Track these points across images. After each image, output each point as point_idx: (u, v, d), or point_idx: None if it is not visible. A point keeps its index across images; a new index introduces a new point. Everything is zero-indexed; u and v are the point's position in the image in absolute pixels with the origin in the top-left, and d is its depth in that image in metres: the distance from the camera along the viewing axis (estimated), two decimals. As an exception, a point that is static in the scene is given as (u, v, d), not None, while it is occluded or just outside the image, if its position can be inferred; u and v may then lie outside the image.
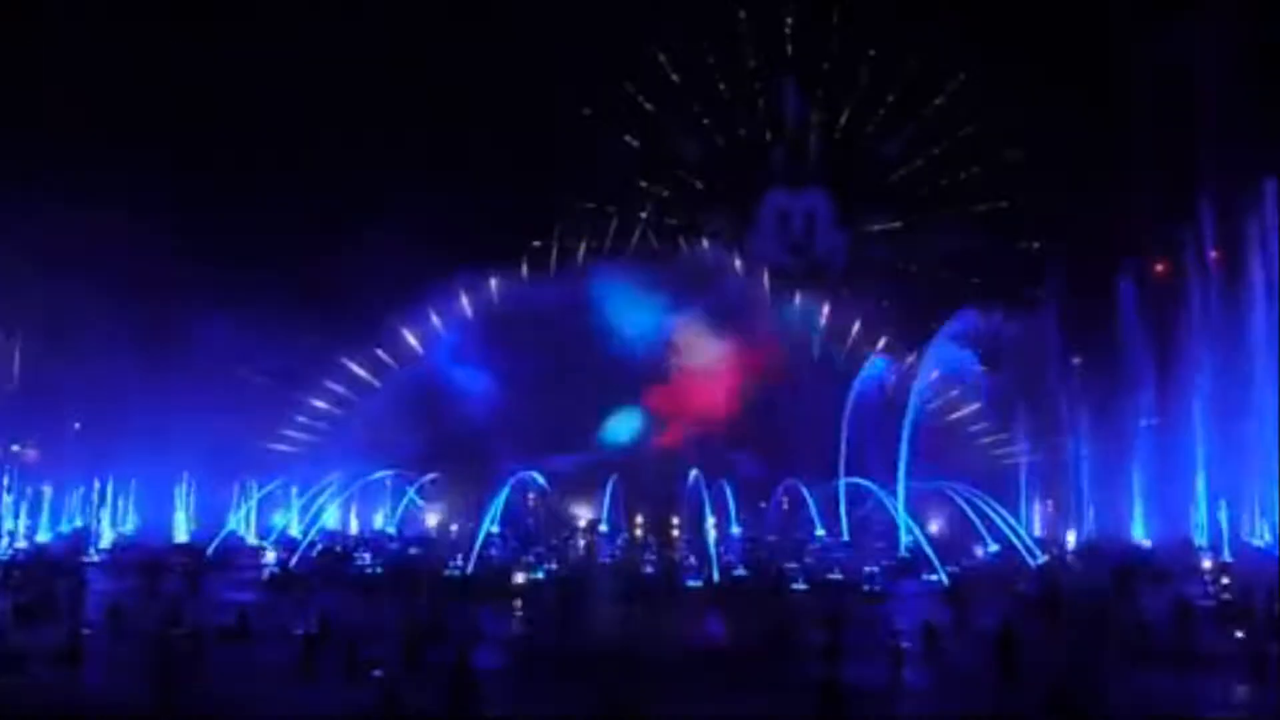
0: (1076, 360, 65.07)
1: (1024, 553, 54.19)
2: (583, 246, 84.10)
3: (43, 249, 57.53)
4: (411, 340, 72.32)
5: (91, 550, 52.86)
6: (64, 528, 58.79)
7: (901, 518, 56.91)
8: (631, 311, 77.48)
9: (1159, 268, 69.68)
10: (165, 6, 71.88)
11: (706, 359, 75.38)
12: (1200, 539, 57.70)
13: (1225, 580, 42.85)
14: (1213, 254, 60.22)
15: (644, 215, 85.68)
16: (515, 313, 72.77)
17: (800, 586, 44.54)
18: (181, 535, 60.00)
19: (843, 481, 60.24)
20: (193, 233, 63.72)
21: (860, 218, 77.33)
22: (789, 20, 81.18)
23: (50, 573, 43.70)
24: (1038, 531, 63.14)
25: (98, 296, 59.01)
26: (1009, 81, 73.23)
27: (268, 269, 64.11)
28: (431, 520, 64.63)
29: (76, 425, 60.33)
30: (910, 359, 76.74)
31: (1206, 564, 48.98)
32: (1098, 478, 63.94)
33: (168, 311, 62.46)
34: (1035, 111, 72.65)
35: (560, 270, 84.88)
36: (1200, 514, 58.24)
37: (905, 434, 58.23)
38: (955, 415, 77.26)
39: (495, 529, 55.28)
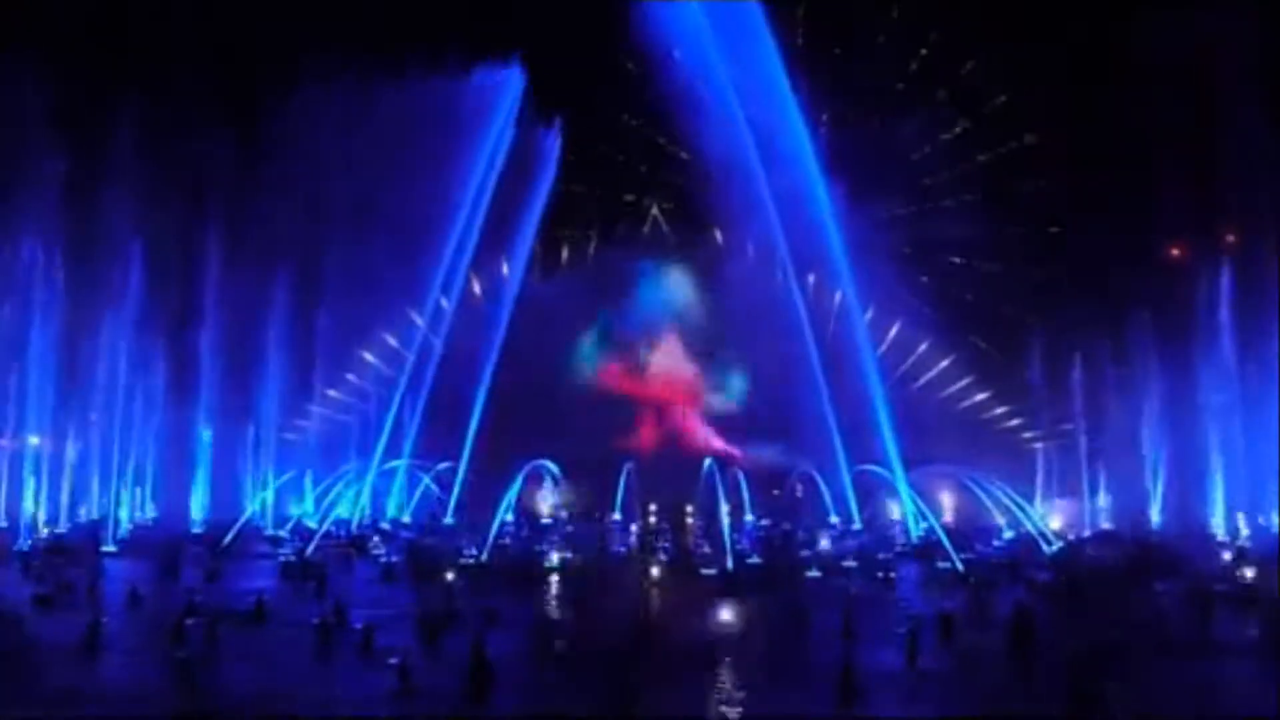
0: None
1: (1039, 539, 54.11)
2: (594, 235, 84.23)
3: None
4: (423, 327, 72.34)
5: (109, 539, 53.25)
6: (82, 516, 59.17)
7: (907, 504, 56.90)
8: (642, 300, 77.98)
9: (1174, 253, 69.35)
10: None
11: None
12: (1218, 526, 57.54)
13: (1243, 567, 42.76)
14: (1230, 238, 59.93)
15: (655, 204, 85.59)
16: (527, 299, 72.64)
17: (815, 574, 44.58)
18: (198, 524, 60.34)
19: (843, 468, 60.05)
20: (202, 218, 63.85)
21: (868, 203, 77.02)
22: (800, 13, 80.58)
23: (68, 562, 44.06)
24: (1055, 518, 62.94)
25: (114, 284, 59.43)
26: (1024, 65, 72.71)
27: (278, 258, 64.27)
28: None
29: (92, 416, 60.63)
30: (923, 346, 77.07)
31: (1226, 554, 48.93)
32: (1116, 464, 63.72)
33: (180, 296, 62.70)
34: (1049, 93, 72.23)
35: (572, 257, 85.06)
36: (1218, 501, 58.07)
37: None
38: (971, 401, 77.06)
39: (509, 517, 55.45)
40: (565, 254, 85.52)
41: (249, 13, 70.19)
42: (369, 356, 75.59)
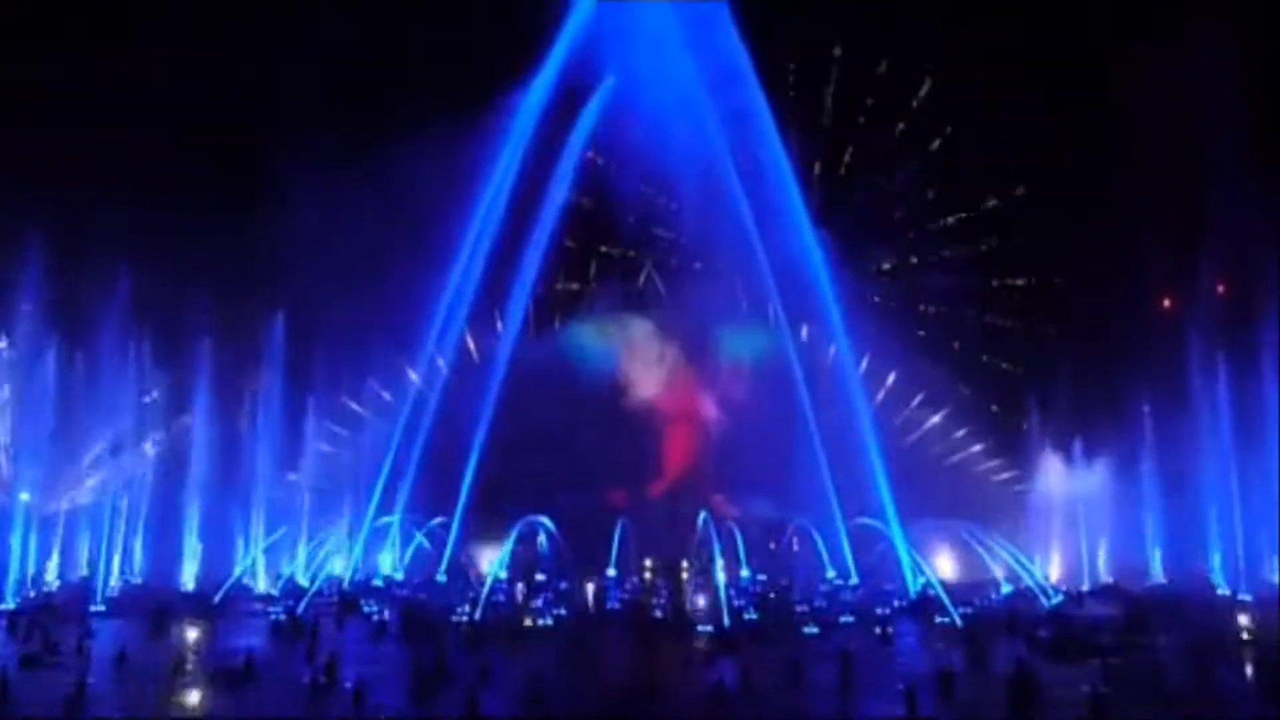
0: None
1: (1039, 593, 53.68)
2: (591, 288, 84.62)
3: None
4: (414, 378, 72.41)
5: (98, 598, 52.69)
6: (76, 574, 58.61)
7: (905, 559, 56.45)
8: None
9: (1166, 304, 69.78)
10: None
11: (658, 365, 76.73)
12: (1218, 577, 57.17)
13: (1244, 620, 42.42)
14: (1220, 288, 60.39)
15: (649, 259, 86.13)
16: (521, 357, 72.73)
17: (812, 630, 44.07)
18: (189, 582, 59.79)
19: (839, 521, 59.60)
20: (193, 275, 64.22)
21: (862, 256, 77.78)
22: (791, 67, 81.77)
23: (56, 621, 43.48)
24: (1054, 570, 62.51)
25: (101, 343, 59.54)
26: (1009, 118, 73.69)
27: (270, 309, 64.54)
28: None
29: (86, 461, 60.35)
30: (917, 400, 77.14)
31: (1226, 606, 48.61)
32: (1115, 516, 63.43)
33: (171, 347, 62.70)
34: (1036, 148, 73.16)
35: (566, 314, 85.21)
36: (1216, 553, 57.76)
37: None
38: (967, 453, 76.91)
39: (503, 574, 54.97)
40: (560, 310, 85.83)
41: (256, 62, 70.92)
42: (362, 411, 75.36)
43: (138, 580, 60.22)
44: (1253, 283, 56.40)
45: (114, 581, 58.36)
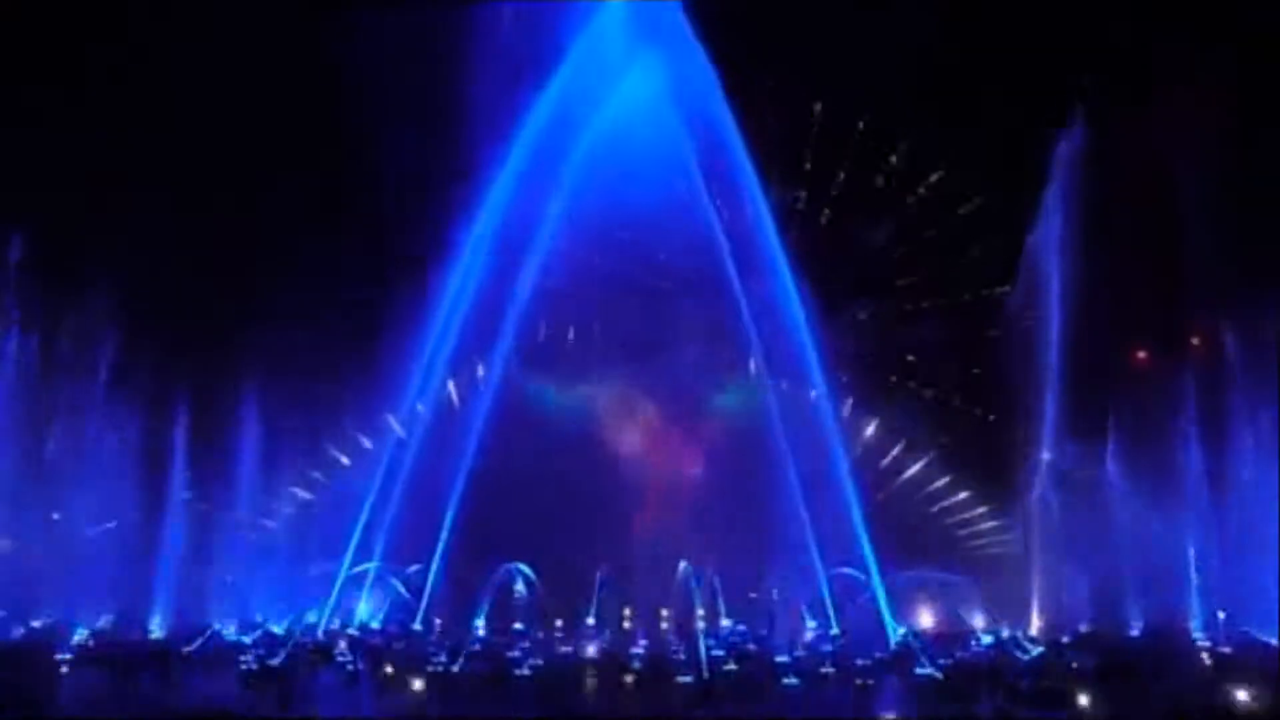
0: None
1: (1018, 644, 53.56)
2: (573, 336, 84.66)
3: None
4: (397, 428, 71.96)
5: (64, 646, 51.70)
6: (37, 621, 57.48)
7: (885, 609, 56.31)
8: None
9: (1140, 355, 70.50)
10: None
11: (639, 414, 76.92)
12: (1198, 629, 57.21)
13: (1226, 674, 42.40)
14: (1194, 341, 61.13)
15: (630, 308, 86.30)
16: (502, 404, 72.58)
17: (792, 681, 43.78)
18: (158, 630, 58.78)
19: (819, 571, 59.43)
20: (182, 328, 64.04)
21: (842, 307, 78.21)
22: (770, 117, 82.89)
23: (20, 670, 42.57)
24: (1035, 620, 62.37)
25: (77, 379, 59.13)
26: (991, 169, 74.82)
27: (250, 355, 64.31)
28: None
29: (55, 516, 59.47)
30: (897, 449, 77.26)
31: (1205, 657, 48.59)
32: (1094, 566, 63.47)
33: (147, 396, 62.21)
34: (1018, 199, 74.09)
35: (548, 362, 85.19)
36: (1195, 602, 57.87)
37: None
38: (945, 503, 77.02)
39: (481, 623, 54.53)
40: (542, 358, 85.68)
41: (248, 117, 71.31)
42: (342, 457, 74.84)
43: (106, 627, 59.19)
44: (1226, 332, 57.23)
45: (81, 629, 57.39)
